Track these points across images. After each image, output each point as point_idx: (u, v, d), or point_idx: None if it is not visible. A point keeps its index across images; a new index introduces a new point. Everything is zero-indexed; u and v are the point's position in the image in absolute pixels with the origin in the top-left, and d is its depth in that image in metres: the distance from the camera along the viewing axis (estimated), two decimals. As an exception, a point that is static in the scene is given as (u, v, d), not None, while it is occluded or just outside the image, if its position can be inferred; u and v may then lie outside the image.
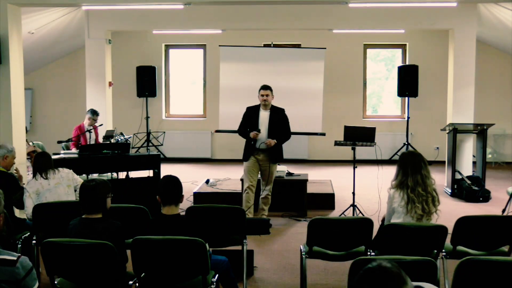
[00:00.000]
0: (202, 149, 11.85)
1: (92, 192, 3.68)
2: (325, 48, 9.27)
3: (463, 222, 4.24)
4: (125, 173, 7.76)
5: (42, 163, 5.15)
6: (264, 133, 6.59)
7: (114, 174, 7.53)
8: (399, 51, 11.99)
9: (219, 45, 9.53)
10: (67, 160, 6.98)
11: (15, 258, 2.53)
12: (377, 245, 4.21)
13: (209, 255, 3.62)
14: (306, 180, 7.44)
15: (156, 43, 11.89)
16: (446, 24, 9.27)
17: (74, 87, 11.84)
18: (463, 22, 9.03)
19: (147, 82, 11.46)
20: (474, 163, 9.08)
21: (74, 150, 7.98)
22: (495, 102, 11.34)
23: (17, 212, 5.48)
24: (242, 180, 6.86)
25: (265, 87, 6.64)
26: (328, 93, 9.97)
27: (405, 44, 11.70)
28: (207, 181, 8.45)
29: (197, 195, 7.77)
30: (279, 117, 6.68)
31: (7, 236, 4.58)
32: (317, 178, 8.81)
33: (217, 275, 3.81)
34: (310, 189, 7.52)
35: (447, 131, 8.70)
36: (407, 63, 11.49)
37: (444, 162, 9.17)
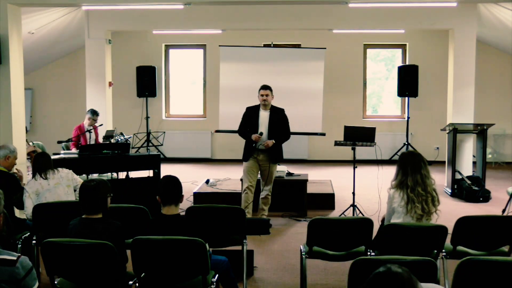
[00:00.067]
0: (202, 149, 11.85)
1: (92, 192, 3.68)
2: (325, 48, 9.27)
3: (463, 222, 4.24)
4: (125, 173, 7.75)
5: (41, 163, 5.15)
6: (264, 134, 6.59)
7: (114, 174, 7.52)
8: (399, 51, 11.99)
9: (219, 45, 9.54)
10: (67, 160, 6.98)
11: (15, 258, 2.53)
12: (377, 245, 4.21)
13: (209, 255, 3.62)
14: (306, 180, 7.44)
15: (156, 43, 11.90)
16: (446, 24, 9.27)
17: (74, 87, 11.84)
18: (463, 22, 9.03)
19: (147, 82, 11.46)
20: (474, 163, 9.08)
21: (74, 150, 7.98)
22: (495, 102, 11.34)
23: (17, 212, 5.48)
24: (242, 180, 6.86)
25: (265, 87, 6.64)
26: (328, 93, 9.97)
27: (405, 44, 11.70)
28: (207, 181, 8.45)
29: (197, 195, 7.77)
30: (279, 117, 6.68)
31: (7, 236, 4.57)
32: (317, 178, 8.81)
33: (217, 275, 3.81)
34: (310, 189, 7.52)
35: (447, 131, 8.70)
36: (407, 63, 11.50)
37: (444, 162, 9.17)
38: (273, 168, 6.75)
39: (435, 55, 11.32)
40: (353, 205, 6.89)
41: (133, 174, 7.78)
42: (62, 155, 7.36)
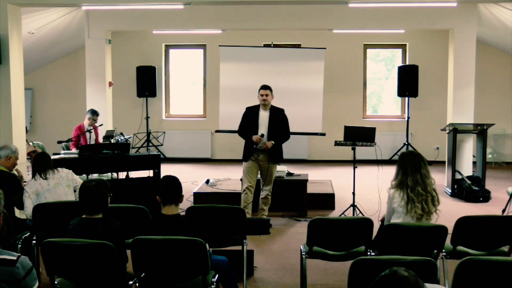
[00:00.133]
0: (202, 149, 11.85)
1: (93, 193, 3.68)
2: (325, 48, 9.28)
3: (463, 222, 4.24)
4: (125, 173, 7.75)
5: (41, 163, 5.15)
6: (265, 134, 6.59)
7: (114, 174, 7.53)
8: (399, 51, 11.99)
9: (219, 45, 9.54)
10: (67, 160, 6.98)
11: (15, 258, 2.53)
12: (377, 245, 4.21)
13: (209, 255, 3.62)
14: (306, 180, 7.44)
15: (156, 43, 11.90)
16: (446, 24, 9.27)
17: (74, 87, 11.84)
18: (463, 22, 9.03)
19: (147, 82, 11.46)
20: (474, 163, 9.08)
21: (74, 150, 7.98)
22: (495, 102, 11.34)
23: (17, 212, 5.48)
24: (242, 180, 6.86)
25: (265, 87, 6.64)
26: (328, 93, 9.97)
27: (405, 44, 11.70)
28: (207, 181, 8.45)
29: (197, 195, 7.77)
30: (278, 117, 6.67)
31: (7, 236, 4.58)
32: (317, 178, 8.81)
33: (217, 275, 3.81)
34: (310, 189, 7.52)
35: (447, 131, 8.70)
36: (407, 63, 11.49)
37: (444, 162, 9.17)
38: (273, 168, 6.75)
39: (435, 55, 11.32)
40: (353, 205, 6.89)
41: (133, 174, 7.78)
42: (62, 155, 7.36)
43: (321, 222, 4.32)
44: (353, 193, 6.91)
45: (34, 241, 4.71)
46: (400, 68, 11.08)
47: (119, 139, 8.51)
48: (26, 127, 7.52)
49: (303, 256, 4.35)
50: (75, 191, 5.16)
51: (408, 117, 11.24)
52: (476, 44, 9.08)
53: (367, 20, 9.34)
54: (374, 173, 7.08)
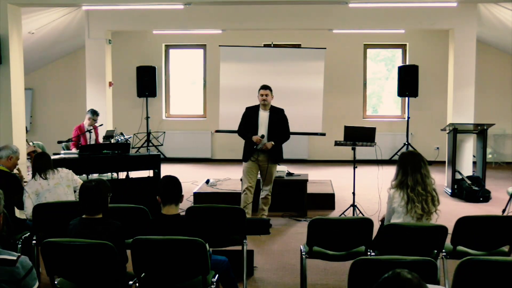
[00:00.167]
0: (202, 149, 11.85)
1: (93, 193, 3.68)
2: (325, 48, 9.28)
3: (463, 222, 4.24)
4: (125, 173, 7.75)
5: (41, 163, 5.15)
6: (265, 135, 6.58)
7: (114, 174, 7.52)
8: (399, 51, 11.99)
9: (219, 45, 9.54)
10: (67, 160, 6.98)
11: (15, 258, 2.53)
12: (377, 245, 4.21)
13: (209, 255, 3.62)
14: (306, 180, 7.44)
15: (156, 43, 11.90)
16: (446, 24, 9.27)
17: (74, 87, 11.84)
18: (463, 22, 9.03)
19: (147, 82, 11.46)
20: (474, 163, 9.08)
21: (74, 150, 7.98)
22: (495, 102, 11.34)
23: (17, 212, 5.48)
24: (242, 180, 6.86)
25: (265, 87, 6.64)
26: (328, 93, 9.98)
27: (405, 44, 11.70)
28: (207, 181, 8.45)
29: (197, 195, 7.77)
30: (278, 117, 6.67)
31: (7, 236, 4.58)
32: (317, 178, 8.81)
33: (217, 275, 3.81)
34: (310, 189, 7.52)
35: (447, 131, 8.70)
36: (407, 63, 11.49)
37: (444, 162, 9.17)
38: (273, 168, 6.74)
39: (435, 55, 11.32)
40: (353, 205, 6.88)
41: (133, 174, 7.78)
42: (62, 155, 7.36)
43: (321, 222, 4.32)
44: (353, 193, 6.91)
45: (34, 241, 4.71)
46: (400, 68, 11.08)
47: (119, 139, 8.51)
48: (26, 127, 7.52)
49: (303, 256, 4.35)
50: (75, 191, 5.16)
51: (408, 117, 11.24)
52: (476, 44, 9.08)
53: (367, 20, 9.34)
54: (374, 173, 7.08)
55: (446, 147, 8.92)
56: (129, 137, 9.07)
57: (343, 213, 6.99)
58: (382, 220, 4.52)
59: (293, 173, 7.67)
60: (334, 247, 4.37)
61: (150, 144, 11.30)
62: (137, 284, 3.62)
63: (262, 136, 6.54)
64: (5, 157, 5.26)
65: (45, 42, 10.33)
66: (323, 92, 9.01)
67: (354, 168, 6.86)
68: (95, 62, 9.77)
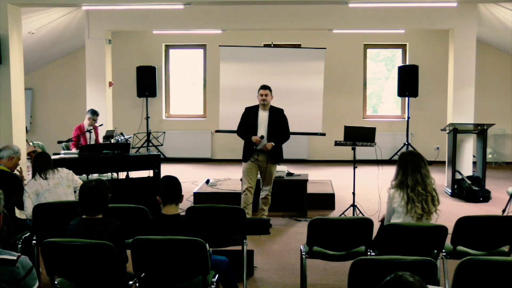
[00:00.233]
0: (202, 149, 11.85)
1: (93, 193, 3.68)
2: (325, 48, 9.28)
3: (463, 222, 4.24)
4: (125, 173, 7.75)
5: (41, 163, 5.15)
6: (264, 134, 6.57)
7: (114, 174, 7.52)
8: (399, 51, 11.99)
9: (219, 45, 9.54)
10: (67, 160, 6.98)
11: (15, 258, 2.53)
12: (377, 245, 4.21)
13: (209, 255, 3.62)
14: (306, 180, 7.44)
15: (156, 43, 11.89)
16: (446, 24, 9.27)
17: (74, 87, 11.84)
18: (463, 22, 9.03)
19: (147, 82, 11.46)
20: (474, 163, 9.08)
21: (74, 150, 7.98)
22: (495, 102, 11.34)
23: (18, 212, 5.47)
24: (242, 180, 6.85)
25: (264, 87, 6.64)
26: (328, 93, 9.98)
27: (405, 44, 11.70)
28: (207, 181, 8.44)
29: (197, 195, 7.77)
30: (278, 118, 6.66)
31: (7, 236, 4.57)
32: (317, 178, 8.81)
33: (217, 275, 3.81)
34: (310, 189, 7.52)
35: (447, 131, 8.70)
36: (407, 63, 11.49)
37: (444, 162, 9.17)
38: (273, 168, 6.74)
39: (435, 55, 11.32)
40: (353, 205, 6.88)
41: (133, 174, 7.78)
42: (62, 155, 7.36)
43: (321, 222, 4.32)
44: (353, 193, 6.91)
45: (34, 241, 4.71)
46: (400, 68, 11.08)
47: (119, 139, 8.51)
48: (26, 127, 7.52)
49: (303, 256, 4.35)
50: (75, 191, 5.16)
51: (408, 117, 11.24)
52: (476, 44, 9.08)
53: (367, 20, 9.33)
54: (374, 173, 7.08)
55: (446, 147, 8.92)
56: (129, 137, 9.07)
57: (343, 213, 6.99)
58: (382, 220, 4.52)
59: (293, 173, 7.67)
60: (334, 247, 4.37)
61: (150, 144, 11.30)
62: (137, 284, 3.62)
63: (262, 137, 6.53)
64: (6, 157, 5.26)
65: (45, 42, 10.33)
66: (323, 92, 9.01)
67: (354, 168, 6.86)
68: (95, 62, 9.77)
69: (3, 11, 6.62)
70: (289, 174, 7.61)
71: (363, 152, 7.93)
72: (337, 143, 6.92)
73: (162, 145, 11.03)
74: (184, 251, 3.52)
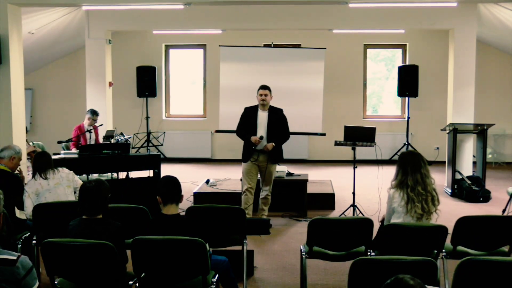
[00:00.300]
0: (202, 149, 11.85)
1: (93, 193, 3.68)
2: (325, 48, 9.28)
3: (463, 222, 4.24)
4: (125, 173, 7.75)
5: (41, 163, 5.14)
6: (264, 134, 6.56)
7: (114, 174, 7.52)
8: (399, 51, 11.99)
9: (219, 45, 9.54)
10: (67, 160, 6.98)
11: (15, 258, 2.53)
12: (377, 245, 4.21)
13: (209, 255, 3.62)
14: (306, 180, 7.44)
15: (156, 43, 11.90)
16: (446, 24, 9.27)
17: (74, 87, 11.84)
18: (463, 22, 9.03)
19: (147, 82, 11.46)
20: (474, 163, 9.08)
21: (74, 150, 7.98)
22: (495, 102, 11.34)
23: (18, 212, 5.47)
24: (242, 180, 6.85)
25: (264, 87, 6.64)
26: (328, 93, 9.98)
27: (405, 44, 11.70)
28: (207, 181, 8.44)
29: (197, 195, 7.77)
30: (277, 118, 6.66)
31: (7, 236, 4.57)
32: (317, 178, 8.81)
33: (217, 275, 3.81)
34: (310, 189, 7.52)
35: (447, 131, 8.70)
36: (407, 63, 11.49)
37: (444, 162, 9.17)
38: (273, 168, 6.74)
39: (435, 55, 11.32)
40: (353, 205, 6.88)
41: (133, 174, 7.77)
42: (62, 155, 7.36)
43: (321, 222, 4.32)
44: (353, 193, 6.91)
45: (34, 241, 4.71)
46: (400, 68, 11.08)
47: (119, 139, 8.51)
48: (26, 127, 7.52)
49: (303, 256, 4.36)
50: (75, 192, 5.16)
51: (408, 117, 11.24)
52: (476, 44, 9.08)
53: (367, 20, 9.33)
54: (374, 173, 7.08)
55: (446, 147, 8.92)
56: (129, 137, 9.07)
57: (343, 213, 6.99)
58: (382, 221, 4.51)
59: (293, 173, 7.67)
60: (334, 247, 4.37)
61: (150, 144, 11.30)
62: (137, 284, 3.62)
63: (261, 137, 6.52)
64: (7, 157, 5.25)
65: (45, 42, 10.33)
66: (323, 92, 9.01)
67: (354, 168, 6.86)
68: (95, 62, 9.77)
69: (3, 11, 6.62)
70: (289, 174, 7.61)
71: (363, 152, 7.93)
72: (337, 143, 6.92)
73: (162, 145, 11.03)
74: (184, 251, 3.52)
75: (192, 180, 9.18)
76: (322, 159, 11.53)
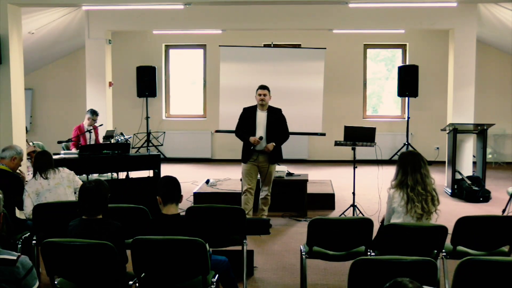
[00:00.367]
0: (202, 149, 11.85)
1: (93, 194, 3.68)
2: (325, 48, 9.28)
3: (463, 222, 4.24)
4: (125, 173, 7.75)
5: (42, 162, 5.14)
6: (263, 135, 6.55)
7: (114, 174, 7.52)
8: (399, 51, 11.99)
9: (219, 45, 9.54)
10: (67, 160, 6.97)
11: (15, 258, 2.53)
12: (377, 245, 4.21)
13: (209, 255, 3.62)
14: (306, 180, 7.44)
15: (156, 43, 11.89)
16: (446, 24, 9.27)
17: (74, 87, 11.84)
18: (463, 22, 9.03)
19: (147, 82, 11.46)
20: (474, 163, 9.08)
21: (74, 150, 7.98)
22: (495, 102, 11.34)
23: (18, 212, 5.47)
24: (241, 181, 6.85)
25: (263, 87, 6.63)
26: (328, 93, 9.98)
27: (405, 44, 11.70)
28: (207, 181, 8.44)
29: (197, 195, 7.77)
30: (276, 118, 6.65)
31: (7, 236, 4.57)
32: (317, 178, 8.81)
33: (217, 275, 3.81)
34: (310, 189, 7.52)
35: (447, 131, 8.70)
36: (407, 63, 11.50)
37: (444, 162, 9.17)
38: (272, 168, 6.73)
39: (435, 55, 11.32)
40: (353, 205, 6.88)
41: (133, 174, 7.78)
42: (62, 155, 7.36)
43: (321, 222, 4.32)
44: (353, 193, 6.91)
45: (34, 241, 4.71)
46: (400, 68, 11.08)
47: (119, 139, 8.51)
48: (26, 127, 7.52)
49: (303, 256, 4.36)
50: (75, 192, 5.15)
51: (408, 117, 11.24)
52: (476, 44, 9.08)
53: (367, 20, 9.34)
54: (374, 173, 7.08)
55: (446, 147, 8.92)
56: (129, 137, 9.07)
57: (343, 213, 6.99)
58: (382, 221, 4.52)
59: (293, 173, 7.67)
60: (334, 247, 4.37)
61: (150, 144, 11.30)
62: (137, 284, 3.62)
63: (261, 138, 6.51)
64: (8, 157, 5.25)
65: (45, 42, 10.33)
66: (323, 92, 9.02)
67: (354, 168, 6.86)
68: (95, 62, 9.77)
69: (3, 11, 6.62)
70: (289, 174, 7.61)
71: (363, 152, 7.92)
72: (337, 143, 6.92)
73: (162, 145, 11.03)
74: (184, 251, 3.52)
75: (192, 180, 9.18)
76: (322, 159, 11.53)
